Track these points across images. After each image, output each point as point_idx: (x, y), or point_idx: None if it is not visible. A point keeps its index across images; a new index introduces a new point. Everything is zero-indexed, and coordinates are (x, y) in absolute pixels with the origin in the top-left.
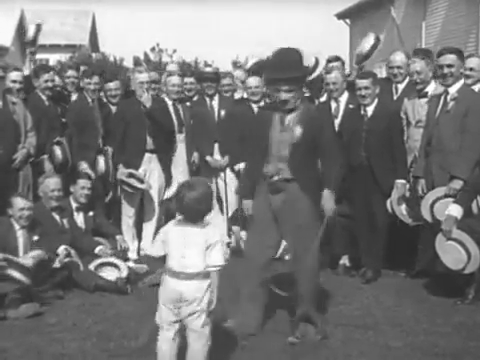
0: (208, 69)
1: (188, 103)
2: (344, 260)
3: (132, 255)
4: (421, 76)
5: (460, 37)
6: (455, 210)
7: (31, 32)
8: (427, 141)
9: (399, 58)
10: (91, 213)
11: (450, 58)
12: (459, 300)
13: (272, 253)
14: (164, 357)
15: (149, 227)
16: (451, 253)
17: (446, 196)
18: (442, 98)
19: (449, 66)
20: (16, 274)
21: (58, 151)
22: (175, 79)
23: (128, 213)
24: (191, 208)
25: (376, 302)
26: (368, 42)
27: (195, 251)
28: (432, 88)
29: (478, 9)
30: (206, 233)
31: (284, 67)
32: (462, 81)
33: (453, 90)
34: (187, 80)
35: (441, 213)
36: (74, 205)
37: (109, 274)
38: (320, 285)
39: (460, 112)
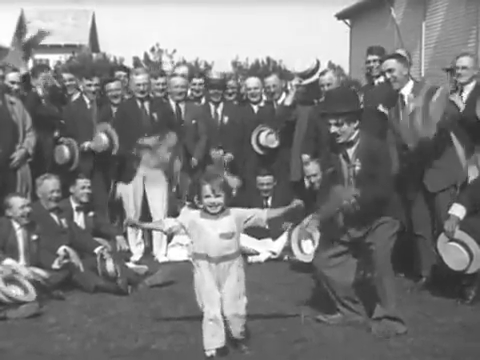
0: (215, 76)
1: (196, 103)
2: None
3: (135, 258)
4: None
5: (460, 37)
6: (458, 210)
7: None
8: (401, 147)
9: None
10: (91, 213)
11: (390, 63)
12: (459, 300)
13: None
14: None
15: (158, 234)
16: (453, 254)
17: None
18: (399, 102)
19: (390, 70)
20: (15, 291)
21: (66, 150)
22: (178, 80)
23: (131, 217)
24: None
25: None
26: (310, 64)
27: None
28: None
29: (478, 9)
30: None
31: (333, 103)
32: (411, 81)
33: (407, 92)
34: (196, 81)
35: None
36: (74, 205)
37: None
38: (395, 284)
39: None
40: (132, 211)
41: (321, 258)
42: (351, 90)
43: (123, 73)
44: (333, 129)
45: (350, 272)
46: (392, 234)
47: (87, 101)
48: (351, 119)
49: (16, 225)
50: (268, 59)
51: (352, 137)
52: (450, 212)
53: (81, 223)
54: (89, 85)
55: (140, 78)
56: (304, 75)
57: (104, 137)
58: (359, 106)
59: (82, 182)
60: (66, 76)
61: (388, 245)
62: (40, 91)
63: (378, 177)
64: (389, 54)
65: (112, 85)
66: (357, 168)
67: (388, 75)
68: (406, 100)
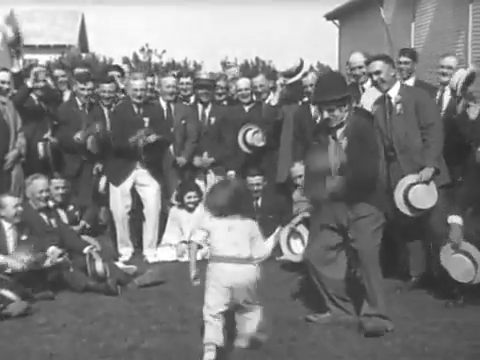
0: (204, 76)
1: (185, 102)
2: None
3: (124, 258)
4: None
5: (449, 38)
6: (456, 218)
7: (9, 32)
8: (388, 147)
9: (359, 59)
10: (71, 207)
11: (377, 64)
12: (451, 302)
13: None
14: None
15: (148, 235)
16: (458, 265)
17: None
18: (386, 103)
19: (377, 73)
20: (7, 293)
21: (41, 147)
22: (169, 80)
23: (118, 219)
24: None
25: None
26: (293, 63)
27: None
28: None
29: (467, 10)
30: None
31: (324, 91)
32: (398, 83)
33: (394, 93)
34: (183, 80)
35: (418, 200)
36: (51, 204)
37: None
38: (382, 281)
39: (410, 111)
40: (120, 212)
41: (313, 251)
42: (339, 76)
43: (117, 73)
44: (326, 115)
45: (341, 269)
46: (376, 228)
47: (79, 103)
48: (341, 104)
49: (6, 225)
50: (257, 59)
51: (343, 119)
52: (450, 222)
53: (64, 219)
54: (82, 89)
55: (138, 83)
56: (288, 74)
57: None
58: (347, 91)
59: (56, 182)
60: (58, 72)
61: (373, 242)
62: (29, 83)
63: (364, 153)
64: (375, 56)
65: (106, 86)
66: (344, 144)
67: (375, 77)
68: (393, 101)
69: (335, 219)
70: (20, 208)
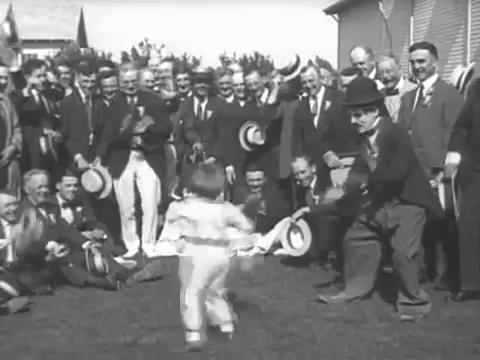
0: (201, 70)
1: (182, 99)
2: (332, 255)
3: (130, 254)
4: (391, 73)
5: (448, 32)
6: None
7: (6, 29)
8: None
9: (360, 54)
10: (79, 209)
11: (422, 53)
12: (450, 296)
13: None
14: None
15: (147, 229)
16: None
17: None
18: (417, 93)
19: (420, 61)
20: (5, 285)
21: (43, 143)
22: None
23: (123, 212)
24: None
25: (364, 297)
26: (288, 60)
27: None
28: (402, 85)
29: (466, 4)
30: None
31: (352, 94)
32: (436, 75)
33: (428, 85)
34: (180, 76)
35: None
36: (61, 201)
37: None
38: (417, 269)
39: (437, 106)
40: (125, 204)
41: (352, 237)
42: (369, 80)
43: (107, 69)
44: (353, 120)
45: (374, 268)
46: (417, 233)
47: (82, 96)
48: (369, 109)
49: (3, 221)
50: (256, 54)
51: (373, 125)
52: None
53: (69, 218)
54: (86, 81)
55: (128, 75)
56: (285, 72)
57: (98, 178)
58: (377, 95)
59: (68, 179)
60: (62, 69)
61: (411, 245)
62: (25, 92)
63: (392, 161)
64: (421, 44)
65: (107, 81)
66: (375, 155)
67: (417, 65)
68: (424, 92)
69: (371, 217)
70: (12, 207)
